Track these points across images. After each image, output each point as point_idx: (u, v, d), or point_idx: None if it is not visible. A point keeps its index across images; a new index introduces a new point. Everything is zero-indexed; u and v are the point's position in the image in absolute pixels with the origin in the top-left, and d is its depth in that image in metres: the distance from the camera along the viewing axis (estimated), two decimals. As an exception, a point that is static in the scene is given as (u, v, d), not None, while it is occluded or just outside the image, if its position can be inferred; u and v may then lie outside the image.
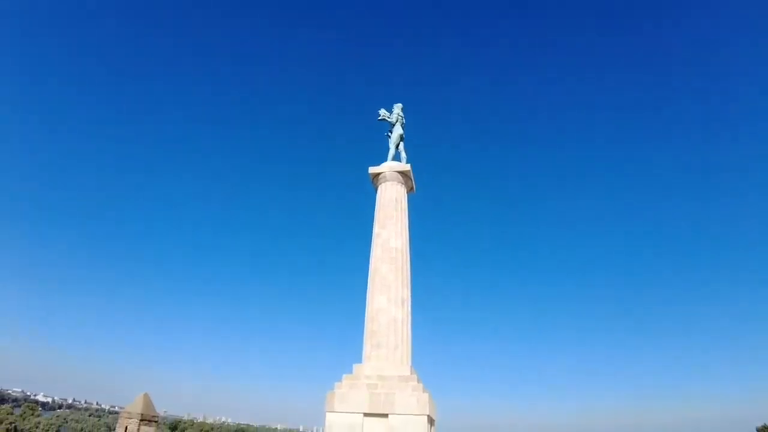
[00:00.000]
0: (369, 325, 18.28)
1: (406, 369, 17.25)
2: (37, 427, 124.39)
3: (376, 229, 20.04)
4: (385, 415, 15.86)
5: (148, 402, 28.19)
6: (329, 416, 16.28)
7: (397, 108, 22.78)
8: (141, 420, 27.35)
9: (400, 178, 21.04)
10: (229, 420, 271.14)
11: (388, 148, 22.05)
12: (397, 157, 21.98)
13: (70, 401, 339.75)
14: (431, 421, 16.61)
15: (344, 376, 17.39)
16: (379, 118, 22.66)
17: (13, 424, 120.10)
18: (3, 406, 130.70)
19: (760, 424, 49.57)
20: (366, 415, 16.03)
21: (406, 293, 18.86)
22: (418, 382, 16.87)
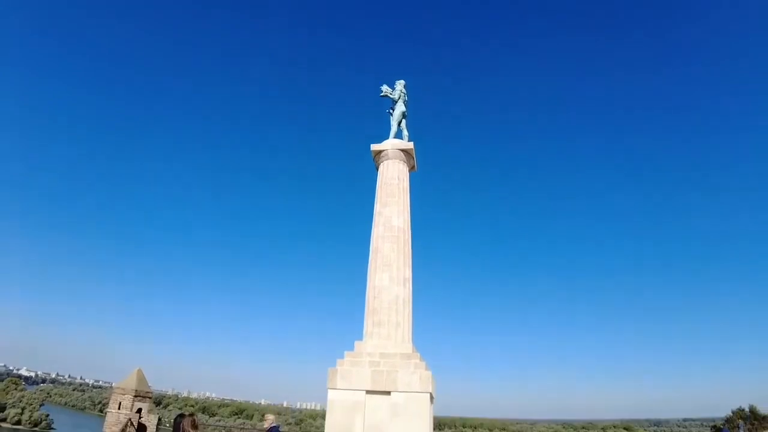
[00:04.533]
0: (370, 304, 18.26)
1: (408, 347, 17.35)
2: (21, 401, 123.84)
3: (378, 207, 19.87)
4: (388, 393, 15.99)
5: (141, 378, 28.08)
6: (331, 393, 16.35)
7: (400, 85, 22.36)
8: (135, 396, 27.29)
9: (402, 156, 20.80)
10: (214, 395, 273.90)
11: (390, 126, 21.76)
12: (399, 135, 21.69)
13: (53, 376, 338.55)
14: (431, 398, 16.83)
15: (346, 353, 17.42)
16: (381, 94, 22.25)
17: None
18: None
19: (735, 407, 51.54)
20: (368, 392, 16.13)
21: (408, 272, 18.85)
22: (420, 360, 17.00)
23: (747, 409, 50.31)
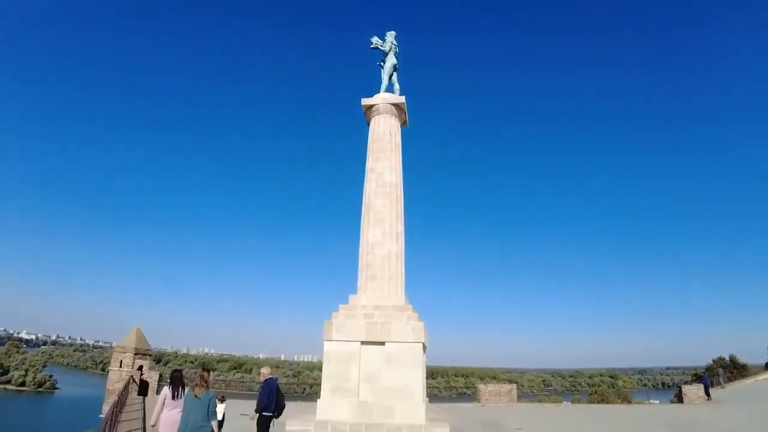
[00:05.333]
0: (364, 258, 18.48)
1: (401, 299, 17.72)
2: (24, 363, 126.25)
3: (370, 163, 19.73)
4: (382, 343, 16.44)
5: (141, 336, 28.62)
6: (327, 345, 16.78)
7: (390, 36, 21.68)
8: (135, 354, 27.89)
9: (394, 110, 20.46)
10: (212, 351, 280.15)
11: (381, 80, 21.28)
12: (390, 89, 21.23)
13: (53, 338, 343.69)
14: (424, 348, 17.34)
15: (340, 306, 17.78)
16: (372, 46, 21.60)
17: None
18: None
19: (716, 357, 53.55)
20: (363, 343, 16.58)
21: (401, 227, 18.98)
22: (413, 312, 17.40)
23: (727, 359, 52.46)
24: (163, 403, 8.96)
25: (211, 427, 7.67)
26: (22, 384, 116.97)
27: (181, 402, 8.73)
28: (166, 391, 9.20)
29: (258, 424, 10.78)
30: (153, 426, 9.20)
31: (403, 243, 19.02)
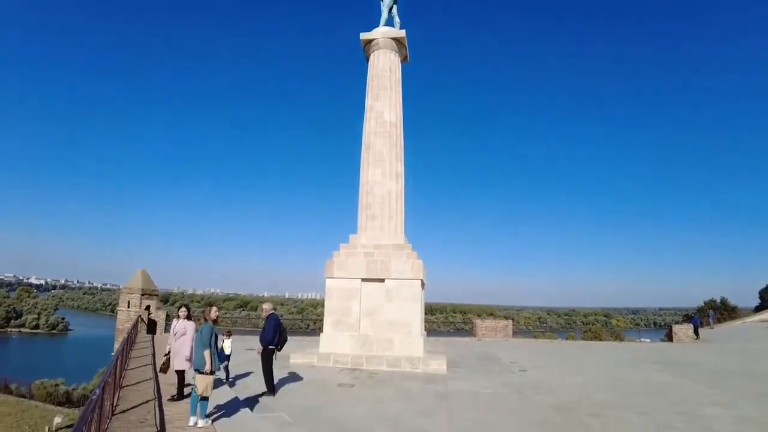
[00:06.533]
0: (364, 199, 18.51)
1: (400, 238, 17.94)
2: (36, 307, 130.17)
3: (369, 101, 19.28)
4: (382, 280, 16.83)
5: (146, 277, 29.26)
6: (329, 282, 17.19)
7: (390, -35, 20.50)
8: (142, 294, 28.61)
9: (394, 45, 19.73)
10: (218, 291, 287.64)
11: (380, 13, 20.34)
12: (390, 23, 20.36)
13: (62, 282, 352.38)
14: (423, 284, 17.76)
15: (341, 245, 18.03)
16: (370, -24, 20.51)
17: (11, 306, 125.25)
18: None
19: (708, 299, 54.81)
20: (363, 280, 16.97)
21: (400, 167, 18.85)
22: (412, 250, 17.67)
23: (718, 301, 53.81)
24: (174, 335, 9.50)
25: (203, 355, 7.82)
26: (36, 327, 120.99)
27: (189, 333, 9.17)
28: (175, 322, 9.72)
29: (262, 356, 11.21)
30: (165, 356, 9.79)
31: (403, 183, 18.98)
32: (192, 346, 8.71)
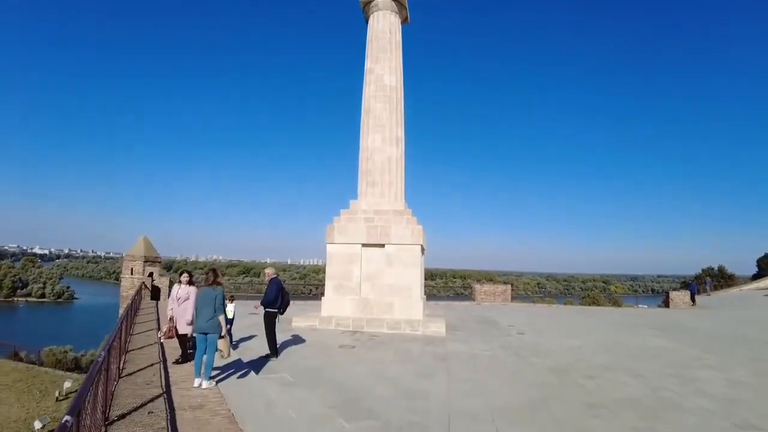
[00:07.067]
0: (364, 165, 18.35)
1: (400, 204, 17.90)
2: (41, 277, 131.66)
3: (369, 64, 18.81)
4: (382, 245, 16.88)
5: (148, 244, 29.44)
6: (330, 247, 17.26)
7: None
8: (145, 261, 28.84)
9: (394, 6, 19.08)
10: (221, 257, 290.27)
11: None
12: (389, -19, 19.67)
13: (66, 251, 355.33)
14: (423, 250, 17.83)
15: (342, 211, 17.99)
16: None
17: (17, 276, 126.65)
18: (3, 262, 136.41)
19: (706, 266, 55.32)
20: (364, 245, 17.03)
21: (401, 132, 18.59)
22: (412, 215, 17.64)
23: (716, 269, 54.36)
24: (175, 299, 9.61)
25: (219, 320, 8.02)
26: (42, 296, 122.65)
27: (191, 297, 9.28)
28: (176, 287, 9.80)
29: (265, 320, 11.34)
30: (169, 319, 9.92)
31: (403, 148, 18.76)
32: (193, 311, 8.81)
